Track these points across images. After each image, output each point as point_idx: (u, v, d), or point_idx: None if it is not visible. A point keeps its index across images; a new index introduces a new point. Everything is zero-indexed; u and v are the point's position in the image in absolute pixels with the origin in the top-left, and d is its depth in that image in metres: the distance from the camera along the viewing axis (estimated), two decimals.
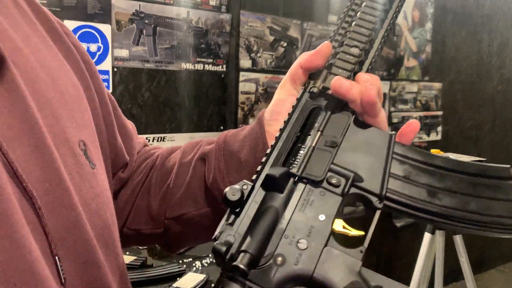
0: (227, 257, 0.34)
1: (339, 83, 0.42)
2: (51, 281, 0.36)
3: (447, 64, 3.55)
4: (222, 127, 2.37)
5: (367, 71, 0.45)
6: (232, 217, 0.36)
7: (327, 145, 0.40)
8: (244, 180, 0.38)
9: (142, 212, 0.61)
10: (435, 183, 0.40)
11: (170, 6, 2.14)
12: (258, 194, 0.37)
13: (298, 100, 0.44)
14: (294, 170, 0.39)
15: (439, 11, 3.41)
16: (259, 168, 0.40)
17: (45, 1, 1.83)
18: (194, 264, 1.44)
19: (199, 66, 2.27)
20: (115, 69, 2.03)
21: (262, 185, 0.38)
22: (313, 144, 0.40)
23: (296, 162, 0.39)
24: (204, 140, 0.60)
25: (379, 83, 0.45)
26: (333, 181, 0.38)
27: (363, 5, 0.47)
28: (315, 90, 0.43)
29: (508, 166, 0.41)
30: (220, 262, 0.35)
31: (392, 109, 3.20)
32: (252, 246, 0.34)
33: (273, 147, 0.41)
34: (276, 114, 0.50)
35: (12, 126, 0.38)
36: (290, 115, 0.43)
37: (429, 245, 1.87)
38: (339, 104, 0.43)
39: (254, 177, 0.39)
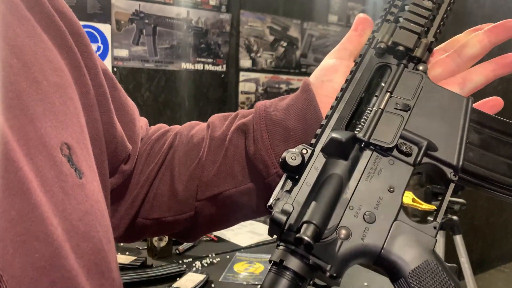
0: (286, 227, 0.31)
1: (442, 59, 0.38)
2: None
3: None
4: None
5: (432, 42, 0.41)
6: (289, 183, 0.33)
7: (398, 108, 0.36)
8: (303, 144, 0.35)
9: (163, 198, 0.54)
10: None
11: (170, 6, 2.14)
12: (318, 160, 0.34)
13: (363, 56, 0.39)
14: (360, 135, 0.35)
15: None
16: (318, 131, 0.36)
17: None
18: (194, 264, 1.44)
19: (199, 66, 2.26)
20: (115, 69, 2.03)
21: (323, 151, 0.34)
22: (382, 106, 0.36)
23: (361, 126, 0.35)
24: (238, 112, 0.53)
25: None
26: (405, 149, 0.34)
27: None
28: (382, 45, 0.38)
29: None
30: (279, 233, 0.32)
31: None
32: (316, 217, 0.31)
33: (334, 107, 0.37)
34: (327, 81, 0.45)
35: None
36: (353, 72, 0.38)
37: None
38: (411, 62, 0.38)
39: (313, 141, 0.35)
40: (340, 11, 2.81)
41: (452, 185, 0.35)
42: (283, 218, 0.31)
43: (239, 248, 1.60)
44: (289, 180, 0.33)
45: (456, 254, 1.96)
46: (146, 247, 1.54)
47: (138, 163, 0.56)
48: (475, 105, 0.40)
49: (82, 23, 2.11)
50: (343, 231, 0.32)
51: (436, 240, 0.33)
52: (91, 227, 0.36)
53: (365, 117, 0.36)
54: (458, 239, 1.91)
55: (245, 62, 2.41)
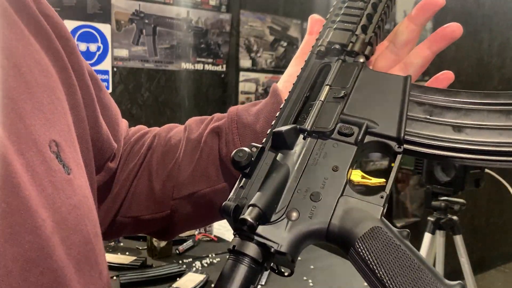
0: (237, 215, 0.33)
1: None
2: None
3: (447, 63, 3.55)
4: None
5: (371, 37, 0.43)
6: (244, 180, 0.36)
7: (336, 96, 0.38)
8: (253, 143, 0.37)
9: (142, 197, 0.56)
10: (461, 119, 0.37)
11: (170, 6, 2.14)
12: (269, 156, 0.36)
13: (306, 61, 0.43)
14: (303, 126, 0.37)
15: (439, 11, 3.40)
16: (268, 131, 0.39)
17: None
18: (194, 264, 1.44)
19: (199, 66, 2.26)
20: (115, 69, 2.03)
21: (271, 146, 0.37)
22: (322, 99, 0.39)
23: (306, 119, 0.38)
24: (213, 116, 0.56)
25: None
26: (345, 130, 0.37)
27: None
28: (321, 48, 0.42)
29: None
30: (231, 222, 0.34)
31: None
32: (260, 201, 0.33)
33: (282, 109, 0.40)
34: (290, 85, 0.48)
35: None
36: (299, 76, 0.42)
37: (429, 245, 1.87)
38: (348, 56, 0.42)
39: (264, 140, 0.38)
40: None
41: (399, 157, 0.36)
42: (232, 206, 0.33)
43: None
44: (244, 179, 0.36)
45: (456, 254, 1.96)
46: (146, 247, 1.54)
47: (119, 163, 0.58)
48: (428, 83, 0.43)
49: (82, 23, 2.10)
50: (293, 213, 0.33)
51: (383, 208, 0.34)
52: (79, 220, 0.38)
53: (310, 111, 0.38)
54: (458, 239, 1.91)
55: (245, 62, 2.41)
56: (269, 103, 0.50)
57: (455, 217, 1.84)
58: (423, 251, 1.88)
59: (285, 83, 0.51)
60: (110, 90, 2.03)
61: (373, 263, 0.31)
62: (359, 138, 0.36)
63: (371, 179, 0.37)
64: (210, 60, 2.29)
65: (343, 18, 0.44)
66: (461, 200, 1.83)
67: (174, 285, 1.29)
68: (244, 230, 0.32)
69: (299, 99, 0.40)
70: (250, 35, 2.42)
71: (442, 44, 0.46)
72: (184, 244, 1.57)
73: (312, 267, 1.43)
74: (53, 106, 0.40)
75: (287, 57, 2.57)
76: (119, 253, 1.51)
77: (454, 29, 0.45)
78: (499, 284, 3.89)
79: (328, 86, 0.39)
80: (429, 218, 1.87)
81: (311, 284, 1.32)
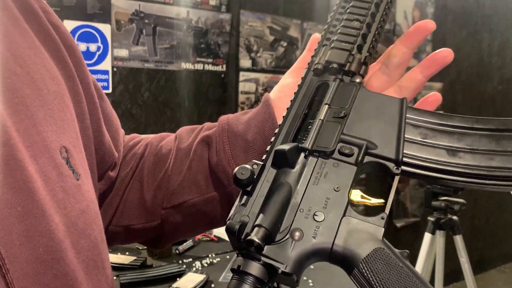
0: (242, 236, 0.33)
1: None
2: None
3: (448, 64, 3.55)
4: None
5: (366, 57, 0.44)
6: (245, 197, 0.36)
7: (336, 116, 0.39)
8: (254, 160, 0.38)
9: (133, 206, 0.56)
10: (454, 143, 0.38)
11: (170, 6, 2.14)
12: (270, 173, 0.37)
13: (303, 78, 0.44)
14: (304, 145, 0.38)
15: (439, 11, 3.41)
16: (268, 148, 0.39)
17: (45, 1, 1.83)
18: (194, 264, 1.44)
19: (199, 66, 2.26)
20: (115, 69, 2.03)
21: (273, 164, 0.37)
22: (322, 117, 0.39)
23: (306, 138, 0.38)
24: (203, 125, 0.57)
25: None
26: (346, 151, 0.37)
27: None
28: (319, 66, 0.43)
29: None
30: (235, 241, 0.34)
31: None
32: (266, 221, 0.33)
33: (281, 126, 0.40)
34: (284, 96, 0.50)
35: None
36: (296, 93, 0.42)
37: (430, 245, 1.87)
38: (345, 76, 0.42)
39: (264, 157, 0.38)
40: None
41: (397, 178, 0.37)
42: (237, 226, 0.33)
43: None
44: (245, 196, 0.36)
45: (456, 254, 1.96)
46: (146, 247, 1.54)
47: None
48: (417, 104, 0.44)
49: (82, 23, 2.10)
50: (296, 233, 0.34)
51: (384, 228, 0.35)
52: (88, 225, 0.39)
53: (309, 129, 0.39)
54: (458, 239, 1.91)
55: (245, 62, 2.41)
56: (261, 112, 0.51)
57: (455, 217, 1.84)
58: (423, 251, 1.88)
59: (277, 93, 0.52)
60: (110, 90, 2.03)
61: (376, 284, 0.32)
62: (359, 158, 0.37)
63: (370, 199, 0.38)
64: (210, 60, 2.29)
65: (340, 37, 0.44)
66: (461, 200, 1.83)
67: (174, 285, 1.29)
68: (248, 250, 0.33)
69: (297, 117, 0.40)
70: (250, 35, 2.42)
71: (434, 69, 0.47)
72: (184, 244, 1.57)
73: (312, 267, 1.43)
74: (63, 113, 0.42)
75: (287, 57, 2.57)
76: (119, 253, 1.52)
77: (445, 54, 0.46)
78: (499, 284, 3.89)
79: (327, 105, 0.40)
80: (429, 218, 1.87)
81: (311, 284, 1.32)
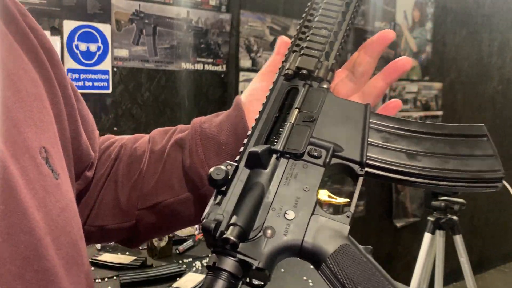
0: (217, 234, 0.35)
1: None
2: None
3: (447, 64, 3.55)
4: None
5: (333, 64, 0.47)
6: (219, 197, 0.37)
7: (306, 120, 0.41)
8: (228, 161, 0.39)
9: (108, 206, 0.57)
10: (413, 147, 0.42)
11: (170, 6, 2.14)
12: (243, 173, 0.38)
13: (274, 83, 0.46)
14: (276, 147, 0.40)
15: (439, 11, 3.41)
16: (241, 149, 0.41)
17: (45, 1, 1.83)
18: (194, 264, 1.44)
19: (199, 66, 2.26)
20: (115, 69, 2.03)
21: (246, 164, 0.39)
22: (292, 121, 0.41)
23: (277, 140, 0.41)
24: (176, 127, 0.58)
25: None
26: (314, 153, 0.40)
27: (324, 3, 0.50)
28: (289, 72, 0.45)
29: (482, 124, 0.43)
30: (210, 239, 0.35)
31: None
32: (240, 220, 0.35)
33: (253, 128, 0.42)
34: (255, 100, 0.52)
35: None
36: (268, 97, 0.44)
37: (429, 245, 1.87)
38: (314, 82, 0.45)
39: (237, 158, 0.40)
40: None
41: (360, 179, 0.40)
42: (212, 225, 0.35)
43: None
44: (219, 196, 0.37)
45: (456, 254, 1.96)
46: (146, 247, 1.54)
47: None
48: (379, 109, 0.47)
49: (82, 23, 2.10)
50: (268, 231, 0.36)
51: (349, 226, 0.37)
52: (67, 222, 0.40)
53: (280, 132, 0.41)
54: (458, 239, 1.91)
55: (245, 62, 2.41)
56: (232, 115, 0.52)
57: (455, 217, 1.84)
58: (423, 251, 1.89)
59: (248, 97, 0.53)
60: (110, 90, 2.03)
61: (343, 278, 0.34)
62: (327, 160, 0.39)
63: (336, 199, 0.40)
64: (210, 60, 2.30)
65: (309, 44, 0.46)
66: (461, 200, 1.83)
67: (174, 285, 1.30)
68: (223, 247, 0.34)
69: (269, 120, 0.42)
70: (250, 35, 2.42)
71: (395, 76, 0.50)
72: (184, 244, 1.57)
73: (312, 267, 1.43)
74: (42, 115, 0.43)
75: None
76: (119, 253, 1.52)
77: (404, 62, 0.49)
78: (499, 284, 3.89)
79: (297, 110, 0.42)
80: (429, 218, 1.87)
81: (311, 284, 1.32)
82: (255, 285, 0.36)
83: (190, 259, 1.48)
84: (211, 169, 0.37)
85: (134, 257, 1.48)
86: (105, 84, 2.01)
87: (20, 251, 0.33)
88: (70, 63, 1.90)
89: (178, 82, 2.21)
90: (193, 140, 0.53)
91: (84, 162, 0.55)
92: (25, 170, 0.36)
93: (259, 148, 0.38)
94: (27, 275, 0.33)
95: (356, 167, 0.40)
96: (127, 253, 1.53)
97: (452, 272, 3.27)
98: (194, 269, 1.41)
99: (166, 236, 1.51)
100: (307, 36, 0.48)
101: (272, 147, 0.40)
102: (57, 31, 1.87)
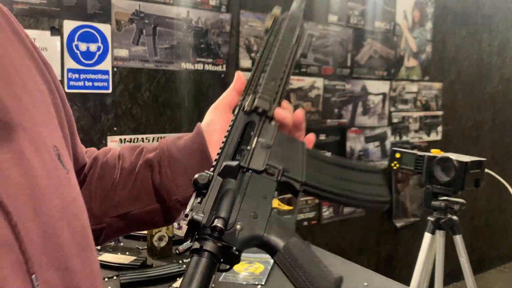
0: (208, 225, 0.46)
1: (282, 115, 0.57)
2: None
3: (447, 64, 3.55)
4: None
5: (280, 98, 0.59)
6: (199, 198, 0.48)
7: (263, 146, 0.54)
8: (206, 171, 0.49)
9: None
10: (333, 173, 0.57)
11: (170, 6, 2.14)
12: (217, 182, 0.50)
13: (236, 115, 0.57)
14: (243, 164, 0.52)
15: (439, 11, 3.41)
16: (214, 163, 0.52)
17: (45, 1, 1.83)
18: None
19: (199, 66, 2.26)
20: (115, 69, 2.03)
21: (219, 174, 0.50)
22: (253, 146, 0.54)
23: (240, 159, 0.53)
24: (143, 147, 0.66)
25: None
26: (270, 171, 0.53)
27: (275, 49, 0.63)
28: (248, 109, 0.57)
29: (379, 170, 0.61)
30: (197, 229, 0.46)
31: (392, 109, 3.19)
32: (223, 214, 0.46)
33: (222, 149, 0.54)
34: (213, 130, 0.63)
35: None
36: (232, 126, 0.56)
37: (429, 245, 1.87)
38: (267, 118, 0.58)
39: (211, 169, 0.51)
40: (340, 11, 2.80)
41: (300, 194, 0.54)
42: (201, 217, 0.46)
43: None
44: (199, 197, 0.48)
45: (456, 254, 1.96)
46: (146, 247, 1.54)
47: None
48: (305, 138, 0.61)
49: (82, 23, 2.10)
50: (239, 226, 0.47)
51: (295, 225, 0.50)
52: (79, 210, 0.48)
53: (243, 153, 0.53)
54: (458, 239, 1.91)
55: (245, 62, 2.41)
56: (196, 141, 0.62)
57: (455, 217, 1.84)
58: (423, 251, 1.88)
59: (208, 127, 0.63)
60: (110, 90, 2.03)
61: (292, 264, 0.47)
62: (279, 177, 0.53)
63: (284, 206, 0.48)
64: (210, 60, 2.30)
65: (263, 90, 0.58)
66: (461, 200, 1.83)
67: (174, 285, 1.30)
68: (209, 234, 0.45)
69: (233, 143, 0.55)
70: (250, 35, 2.42)
71: (299, 130, 0.61)
72: (184, 244, 1.56)
73: None
74: (50, 119, 0.50)
75: None
76: (119, 253, 1.52)
77: (299, 114, 0.59)
78: (499, 284, 3.90)
79: (256, 138, 0.55)
80: (429, 218, 1.87)
81: None
82: (222, 270, 0.47)
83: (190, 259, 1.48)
84: (197, 175, 0.48)
85: (134, 257, 1.48)
86: (105, 84, 2.01)
87: (41, 231, 0.40)
88: (70, 63, 1.90)
89: (178, 82, 2.21)
90: (162, 162, 0.62)
91: (79, 166, 0.62)
92: (45, 162, 0.43)
93: (232, 163, 0.51)
94: (49, 249, 0.40)
95: (297, 184, 0.54)
96: (127, 253, 1.53)
97: (452, 272, 3.27)
98: None
99: (166, 236, 1.51)
100: (261, 83, 0.60)
101: (241, 163, 0.51)
102: (57, 31, 1.87)
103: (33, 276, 0.38)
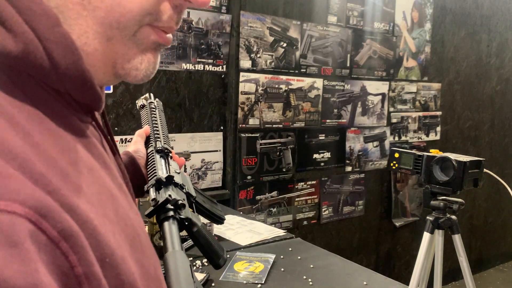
0: (173, 202, 0.68)
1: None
2: None
3: (446, 64, 3.56)
4: (222, 127, 2.38)
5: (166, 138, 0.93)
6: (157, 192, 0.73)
7: (175, 170, 0.83)
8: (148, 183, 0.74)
9: None
10: (203, 197, 0.87)
11: None
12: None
13: (152, 152, 0.86)
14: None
15: (438, 12, 3.42)
16: (150, 178, 0.77)
17: None
18: (194, 263, 1.45)
19: (199, 67, 2.27)
20: None
21: (153, 185, 0.74)
22: (168, 168, 0.83)
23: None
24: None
25: None
26: (181, 185, 0.78)
27: (158, 116, 1.02)
28: (159, 148, 0.87)
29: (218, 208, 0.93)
30: (161, 207, 0.66)
31: (391, 109, 3.21)
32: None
33: (151, 168, 0.82)
34: (138, 156, 0.88)
35: None
36: (149, 156, 0.87)
37: (428, 244, 1.88)
38: (169, 154, 0.88)
39: (149, 183, 0.74)
40: (340, 12, 2.82)
41: (194, 205, 0.79)
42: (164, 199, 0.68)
43: (239, 247, 1.61)
44: (157, 191, 0.72)
45: (455, 254, 1.97)
46: None
47: None
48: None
49: None
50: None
51: (198, 215, 0.81)
52: (141, 219, 0.55)
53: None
54: (457, 239, 1.92)
55: (245, 63, 2.42)
56: (131, 163, 0.85)
57: (453, 217, 1.85)
58: (422, 250, 1.89)
59: (135, 154, 0.88)
60: (111, 91, 2.04)
61: (204, 238, 0.70)
62: (183, 190, 0.79)
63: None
64: (210, 61, 2.30)
65: (162, 137, 0.92)
66: (460, 200, 1.84)
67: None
68: (173, 210, 0.67)
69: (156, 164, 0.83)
70: (250, 36, 2.43)
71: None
72: (184, 243, 1.58)
73: (311, 266, 1.44)
74: None
75: (287, 57, 2.58)
76: None
77: None
78: (498, 283, 3.91)
79: (168, 164, 0.85)
80: (428, 217, 1.88)
81: (310, 283, 1.33)
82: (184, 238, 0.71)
83: (190, 258, 1.49)
84: (146, 186, 0.74)
85: None
86: None
87: (127, 233, 0.44)
88: None
89: (178, 82, 2.22)
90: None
91: None
92: (115, 178, 0.49)
93: (161, 176, 0.75)
94: (135, 245, 0.45)
95: (192, 198, 0.78)
96: None
97: (451, 271, 3.28)
98: (194, 268, 1.42)
99: None
100: (160, 133, 0.93)
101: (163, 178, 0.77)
102: None
103: None
